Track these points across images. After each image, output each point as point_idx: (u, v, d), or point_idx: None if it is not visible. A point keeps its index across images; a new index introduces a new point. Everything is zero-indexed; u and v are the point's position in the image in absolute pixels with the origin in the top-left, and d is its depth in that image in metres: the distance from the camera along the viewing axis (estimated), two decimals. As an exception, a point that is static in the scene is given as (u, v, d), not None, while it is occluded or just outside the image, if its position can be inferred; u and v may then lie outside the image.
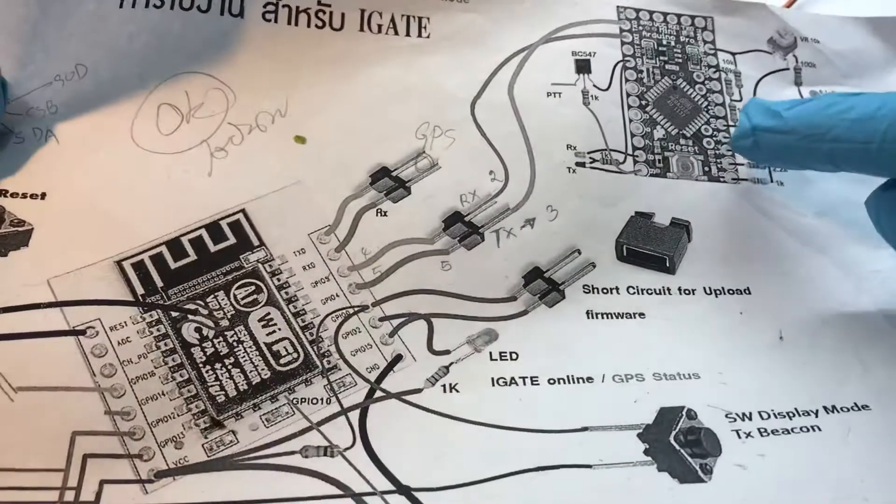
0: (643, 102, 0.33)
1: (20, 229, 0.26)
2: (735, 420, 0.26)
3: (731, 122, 0.34)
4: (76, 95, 0.29)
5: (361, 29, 0.32)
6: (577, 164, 0.31)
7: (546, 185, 0.31)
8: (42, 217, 0.27)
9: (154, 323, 0.26)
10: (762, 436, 0.26)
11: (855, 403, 0.27)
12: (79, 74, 0.29)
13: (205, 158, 0.29)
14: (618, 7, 0.35)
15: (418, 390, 0.26)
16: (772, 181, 0.33)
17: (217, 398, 0.25)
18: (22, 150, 0.28)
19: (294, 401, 0.25)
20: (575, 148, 0.31)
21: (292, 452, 0.24)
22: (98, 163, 0.28)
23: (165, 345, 0.25)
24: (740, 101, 0.34)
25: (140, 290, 0.26)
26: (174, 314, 0.26)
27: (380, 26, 0.32)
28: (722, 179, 0.32)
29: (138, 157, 0.29)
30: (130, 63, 0.30)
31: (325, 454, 0.24)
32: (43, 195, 0.27)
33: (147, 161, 0.29)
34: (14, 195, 0.27)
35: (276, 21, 0.31)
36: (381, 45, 0.32)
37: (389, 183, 0.30)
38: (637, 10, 0.35)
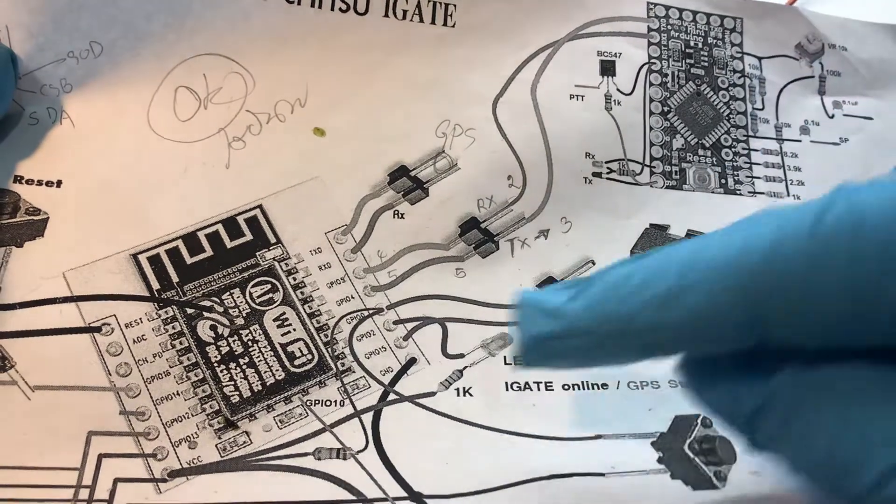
0: (665, 109, 0.33)
1: (35, 218, 0.26)
2: None
3: (751, 133, 0.33)
4: (91, 75, 0.28)
5: (386, 14, 0.31)
6: (594, 174, 0.31)
7: (561, 195, 0.30)
8: (57, 206, 0.26)
9: (169, 320, 0.26)
10: None
11: None
12: (94, 53, 0.28)
13: (222, 149, 0.28)
14: (648, 3, 0.34)
15: (432, 394, 0.26)
16: (788, 195, 0.33)
17: (231, 398, 0.25)
18: (36, 132, 0.27)
19: (308, 402, 0.25)
20: (593, 157, 0.31)
21: (305, 454, 0.24)
22: (114, 150, 0.28)
23: (181, 343, 0.25)
24: (762, 109, 0.34)
25: (156, 285, 0.26)
26: (189, 311, 0.26)
27: (405, 12, 0.31)
28: (738, 192, 0.32)
29: (155, 145, 0.28)
30: (148, 43, 0.29)
31: (337, 456, 0.24)
32: (59, 183, 0.27)
33: (164, 150, 0.28)
34: (30, 182, 0.26)
35: (299, 3, 0.30)
36: (406, 33, 0.31)
37: (408, 183, 0.29)
38: (667, 8, 0.34)
